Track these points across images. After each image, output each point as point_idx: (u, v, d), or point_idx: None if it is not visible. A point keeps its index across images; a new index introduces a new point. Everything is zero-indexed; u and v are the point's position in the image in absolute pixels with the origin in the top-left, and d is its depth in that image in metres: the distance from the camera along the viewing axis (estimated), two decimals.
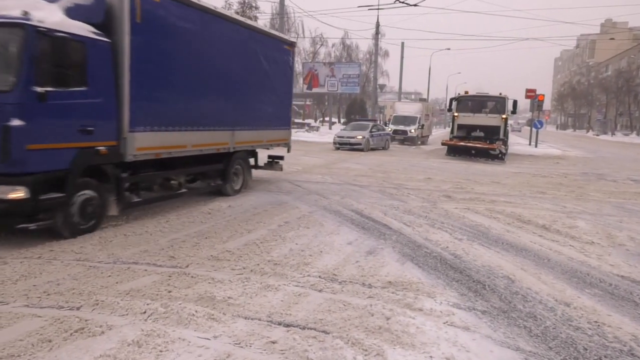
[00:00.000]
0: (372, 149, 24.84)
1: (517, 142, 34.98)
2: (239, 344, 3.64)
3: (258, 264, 5.50)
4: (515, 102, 21.53)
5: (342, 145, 23.92)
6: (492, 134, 20.94)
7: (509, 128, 23.40)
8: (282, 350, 3.55)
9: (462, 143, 21.23)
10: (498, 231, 7.65)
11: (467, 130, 21.60)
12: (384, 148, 25.80)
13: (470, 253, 6.38)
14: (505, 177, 14.82)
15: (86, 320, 3.86)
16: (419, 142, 31.60)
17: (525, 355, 3.69)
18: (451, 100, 22.56)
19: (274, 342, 3.66)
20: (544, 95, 29.89)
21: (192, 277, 4.99)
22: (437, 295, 4.84)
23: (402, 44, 45.65)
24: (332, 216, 8.32)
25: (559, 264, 6.10)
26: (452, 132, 22.19)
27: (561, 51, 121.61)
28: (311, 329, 3.92)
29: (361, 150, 23.36)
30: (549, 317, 4.42)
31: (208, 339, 3.68)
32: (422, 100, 48.44)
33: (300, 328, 3.93)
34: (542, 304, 4.75)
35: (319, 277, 5.19)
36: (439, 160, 20.60)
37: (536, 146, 29.94)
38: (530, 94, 29.16)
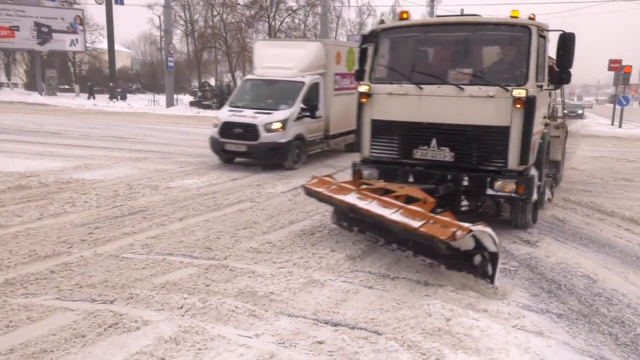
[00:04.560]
0: None
1: (597, 122, 33.50)
2: (283, 343, 3.69)
3: (302, 257, 5.54)
4: (567, 41, 6.26)
5: None
6: (483, 157, 6.28)
7: (554, 126, 8.96)
8: (330, 352, 3.57)
9: (358, 203, 5.66)
10: (575, 224, 7.37)
11: (403, 144, 6.67)
12: None
13: (542, 248, 6.18)
14: (583, 162, 14.23)
15: (120, 315, 4.02)
16: (325, 147, 13.24)
17: None
18: (362, 42, 7.13)
19: (321, 342, 3.68)
20: (631, 66, 28.37)
21: (230, 270, 5.09)
22: (504, 295, 4.72)
23: (462, 10, 44.42)
24: None
25: None
26: (359, 146, 7.13)
27: None
28: (362, 328, 3.93)
29: None
30: (639, 324, 4.23)
31: (250, 337, 3.76)
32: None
33: (349, 328, 3.94)
34: (631, 307, 4.55)
35: (369, 272, 5.18)
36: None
37: (620, 126, 28.56)
38: (615, 65, 27.76)
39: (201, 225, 6.77)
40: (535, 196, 6.46)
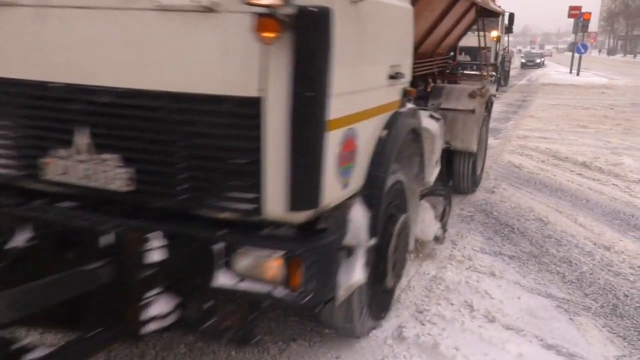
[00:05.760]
0: None
1: (556, 70, 34.17)
2: None
3: None
4: None
5: None
6: (204, 185, 2.26)
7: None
8: None
9: None
10: (530, 170, 7.58)
11: (17, 142, 2.56)
12: None
13: (498, 194, 6.34)
14: (541, 110, 14.57)
15: None
16: None
17: (558, 303, 3.72)
18: None
19: None
20: (590, 13, 28.77)
21: None
22: (458, 239, 4.84)
23: None
24: None
25: (600, 204, 6.07)
26: None
27: None
28: None
29: None
30: (585, 262, 4.44)
31: None
32: None
33: None
34: (579, 248, 4.76)
35: None
36: None
37: (578, 74, 29.21)
38: (575, 12, 28.07)
39: None
40: (357, 280, 2.53)
